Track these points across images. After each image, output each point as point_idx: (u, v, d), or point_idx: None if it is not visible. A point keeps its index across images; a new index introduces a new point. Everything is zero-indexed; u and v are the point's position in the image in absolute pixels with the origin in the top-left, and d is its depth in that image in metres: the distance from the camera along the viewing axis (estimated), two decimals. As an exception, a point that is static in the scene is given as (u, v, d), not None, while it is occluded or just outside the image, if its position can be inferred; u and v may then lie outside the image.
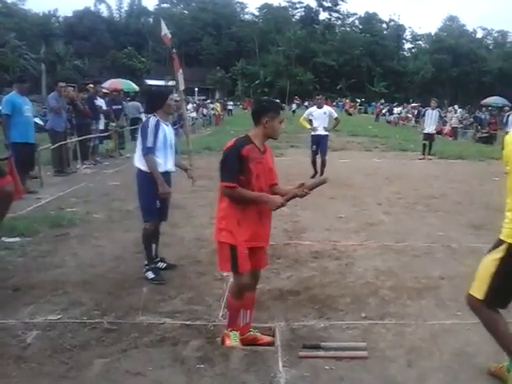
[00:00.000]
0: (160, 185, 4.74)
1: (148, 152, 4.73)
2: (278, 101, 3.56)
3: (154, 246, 5.12)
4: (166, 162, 4.91)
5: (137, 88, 28.61)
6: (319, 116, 10.98)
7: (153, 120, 4.80)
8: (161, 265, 5.17)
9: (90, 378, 3.19)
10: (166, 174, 4.95)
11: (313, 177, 10.51)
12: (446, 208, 8.36)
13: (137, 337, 3.70)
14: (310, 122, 11.20)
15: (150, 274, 4.89)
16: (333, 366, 3.34)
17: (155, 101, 5.00)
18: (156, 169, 4.76)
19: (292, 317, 4.07)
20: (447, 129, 25.60)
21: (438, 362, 3.42)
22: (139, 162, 4.85)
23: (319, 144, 10.94)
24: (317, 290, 4.65)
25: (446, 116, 28.03)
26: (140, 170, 4.87)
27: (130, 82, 28.71)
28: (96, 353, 3.47)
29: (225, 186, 3.33)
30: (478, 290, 3.00)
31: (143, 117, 14.02)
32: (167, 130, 4.90)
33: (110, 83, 23.85)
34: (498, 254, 2.92)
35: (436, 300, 4.50)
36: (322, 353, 3.50)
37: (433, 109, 16.13)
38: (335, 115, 11.47)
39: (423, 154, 15.62)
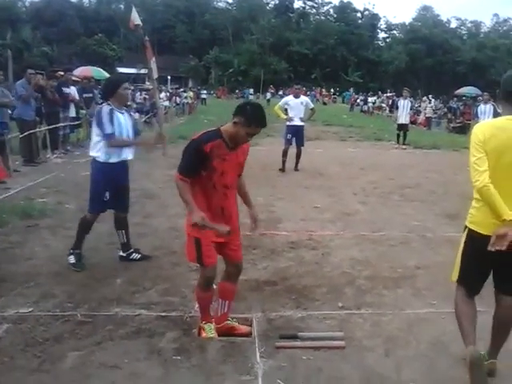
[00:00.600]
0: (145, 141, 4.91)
1: (109, 138, 4.64)
2: (263, 121, 3.32)
3: (123, 233, 5.08)
4: (121, 151, 4.81)
5: (108, 76, 28.09)
6: (296, 106, 10.69)
7: (106, 108, 4.71)
8: (135, 256, 5.10)
9: (63, 371, 3.13)
10: (123, 163, 4.88)
11: (281, 170, 10.44)
12: (421, 197, 8.47)
13: (111, 329, 3.65)
14: (286, 111, 10.95)
15: (72, 259, 4.84)
16: (310, 356, 3.35)
17: (108, 88, 4.93)
18: (122, 143, 4.77)
19: (269, 307, 4.06)
20: (421, 119, 25.89)
21: (415, 351, 3.46)
22: (93, 151, 4.77)
23: (295, 135, 10.70)
24: (293, 281, 4.65)
25: (419, 106, 28.41)
26: (94, 159, 4.79)
27: (101, 69, 28.15)
28: (70, 346, 3.41)
29: (176, 176, 3.27)
30: (454, 273, 3.23)
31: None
32: (122, 118, 4.78)
33: (81, 71, 23.36)
34: (463, 238, 3.21)
35: (412, 289, 4.55)
36: (299, 343, 3.50)
37: (405, 98, 16.60)
38: (311, 105, 11.29)
39: (397, 143, 16.24)
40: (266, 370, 3.18)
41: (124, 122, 4.80)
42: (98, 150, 4.73)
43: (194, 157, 3.24)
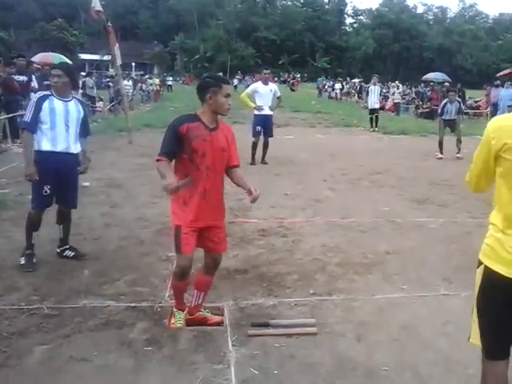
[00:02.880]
0: (26, 165, 4.43)
1: (25, 127, 4.46)
2: (220, 74, 3.44)
3: (61, 228, 4.87)
4: (54, 141, 4.50)
5: (70, 62, 27.37)
6: (265, 93, 9.88)
7: (38, 94, 4.54)
8: (69, 253, 4.84)
9: (30, 366, 3.06)
10: (60, 155, 4.53)
11: (252, 163, 9.78)
12: (390, 183, 8.57)
13: (80, 321, 3.58)
14: (253, 99, 10.24)
15: (22, 260, 4.60)
16: (283, 343, 3.35)
17: (48, 76, 4.78)
18: (28, 146, 4.48)
19: (240, 296, 4.05)
20: (389, 104, 26.14)
21: (386, 336, 3.49)
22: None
23: (264, 125, 9.93)
24: (264, 268, 4.64)
25: (388, 92, 28.70)
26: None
27: (62, 56, 27.41)
28: (36, 340, 3.33)
29: (155, 158, 3.27)
30: (474, 334, 2.23)
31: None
32: (61, 106, 4.49)
33: (40, 57, 22.58)
34: (477, 280, 2.22)
35: (383, 274, 4.59)
36: (271, 330, 3.51)
37: (374, 84, 17.50)
38: (279, 94, 10.42)
39: (371, 127, 16.81)
40: (239, 359, 3.17)
41: (62, 110, 4.50)
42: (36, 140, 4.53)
43: (169, 137, 3.28)
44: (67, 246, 4.88)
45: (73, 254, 4.85)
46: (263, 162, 10.05)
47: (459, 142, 11.14)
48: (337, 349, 3.32)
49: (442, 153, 11.11)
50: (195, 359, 3.15)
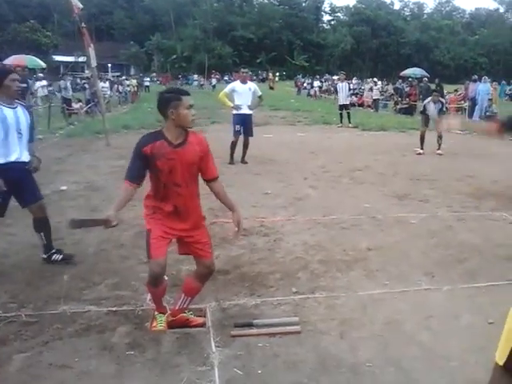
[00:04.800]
0: None
1: None
2: (179, 88, 3.38)
3: (41, 235, 4.76)
4: (8, 152, 4.35)
5: (43, 64, 26.98)
6: (244, 92, 9.73)
7: None
8: (57, 257, 4.76)
9: (10, 374, 3.00)
10: (12, 165, 4.36)
11: (230, 163, 9.78)
12: (370, 180, 8.60)
13: (60, 327, 3.52)
14: (232, 98, 10.12)
15: (59, 256, 4.71)
16: (266, 342, 3.34)
17: (24, 78, 4.52)
18: None
19: (222, 296, 4.02)
20: (366, 101, 26.26)
21: (369, 332, 3.51)
22: None
23: (244, 124, 9.81)
24: (246, 268, 4.63)
25: (362, 88, 28.86)
26: None
27: (35, 58, 26.99)
28: (15, 348, 3.27)
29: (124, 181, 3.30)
30: (501, 352, 2.02)
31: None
32: (10, 114, 4.32)
33: (13, 59, 22.25)
34: None
35: (365, 271, 4.61)
36: (254, 330, 3.49)
37: (341, 81, 17.76)
38: (259, 93, 10.28)
39: (341, 123, 17.07)
40: (222, 359, 3.15)
41: (13, 118, 4.34)
42: None
43: (133, 161, 3.27)
44: (53, 251, 4.80)
45: (61, 256, 4.78)
46: (243, 161, 10.00)
47: (440, 138, 11.20)
48: (320, 346, 3.32)
49: (422, 148, 11.17)
50: (178, 361, 3.13)
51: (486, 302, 3.86)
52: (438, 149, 11.21)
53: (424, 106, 11.58)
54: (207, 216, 6.09)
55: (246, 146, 9.98)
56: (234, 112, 9.89)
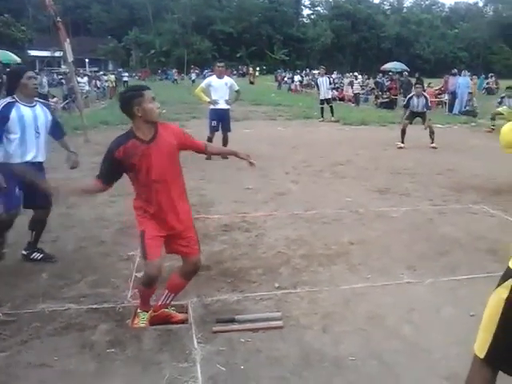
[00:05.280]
0: None
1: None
2: (137, 84, 3.39)
3: (32, 233, 4.72)
4: (24, 152, 4.35)
5: (18, 59, 26.57)
6: (220, 87, 9.67)
7: (2, 101, 4.27)
8: (36, 255, 4.69)
9: (-12, 374, 2.93)
10: (27, 165, 4.30)
11: (208, 158, 9.46)
12: (352, 174, 8.61)
13: (39, 326, 3.47)
14: (208, 93, 10.04)
15: (39, 255, 4.66)
16: (249, 338, 3.33)
17: (10, 81, 4.44)
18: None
19: (204, 292, 3.99)
20: (348, 95, 26.34)
21: (352, 326, 3.51)
22: None
23: (221, 120, 9.77)
24: (228, 264, 4.60)
25: (342, 83, 28.97)
26: None
27: (10, 52, 26.54)
28: (-7, 348, 3.19)
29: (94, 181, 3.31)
30: (480, 345, 2.01)
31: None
32: (29, 113, 4.32)
33: (-14, 54, 21.90)
34: (504, 293, 1.95)
35: (347, 265, 4.61)
36: (236, 326, 3.48)
37: (322, 76, 17.95)
38: (236, 87, 10.23)
39: (322, 117, 17.15)
40: (205, 356, 3.13)
41: (31, 116, 4.33)
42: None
43: (107, 164, 3.24)
44: (35, 249, 4.72)
45: (41, 256, 4.69)
46: (224, 156, 9.89)
47: (432, 133, 11.23)
48: (303, 341, 3.31)
49: (403, 142, 11.19)
50: (160, 358, 3.10)
51: (468, 294, 3.90)
52: (432, 142, 11.23)
53: (407, 100, 11.60)
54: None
55: (225, 142, 9.80)
56: (211, 107, 9.82)
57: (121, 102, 3.22)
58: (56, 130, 4.71)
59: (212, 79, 9.99)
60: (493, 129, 14.01)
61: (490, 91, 30.15)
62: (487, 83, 32.23)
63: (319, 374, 2.97)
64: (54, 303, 3.80)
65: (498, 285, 1.99)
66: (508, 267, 1.98)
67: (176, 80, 48.70)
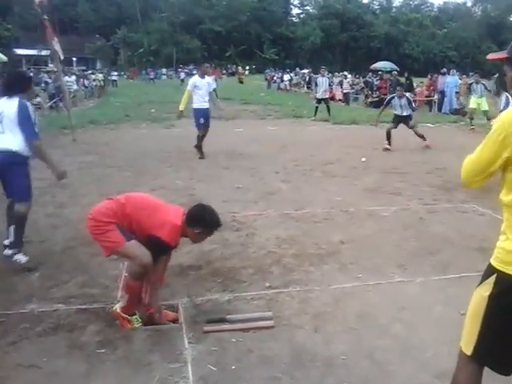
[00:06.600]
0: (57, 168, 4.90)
1: (37, 139, 4.66)
2: (220, 223, 3.65)
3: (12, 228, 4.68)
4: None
5: (4, 58, 26.26)
6: (203, 86, 10.09)
7: (28, 104, 4.71)
8: (20, 258, 4.60)
9: (-24, 375, 2.90)
10: None
11: (201, 157, 9.87)
12: (342, 173, 8.62)
13: (27, 327, 3.43)
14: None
15: (22, 256, 4.56)
16: (240, 338, 3.32)
17: (22, 83, 4.83)
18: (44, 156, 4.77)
19: (195, 292, 3.98)
20: (337, 94, 26.37)
21: (343, 325, 3.51)
22: (14, 146, 4.54)
23: (205, 117, 10.13)
24: (218, 264, 4.58)
25: (332, 82, 29.02)
26: (18, 154, 4.56)
27: (-4, 51, 26.26)
28: (-19, 349, 3.15)
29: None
30: (467, 342, 2.04)
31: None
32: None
33: (-27, 54, 21.63)
34: (486, 290, 1.98)
35: (338, 264, 4.61)
36: (227, 326, 3.46)
37: (322, 76, 18.25)
38: (214, 86, 10.70)
39: (314, 116, 17.15)
40: (196, 356, 3.12)
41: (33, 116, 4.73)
42: (19, 145, 4.56)
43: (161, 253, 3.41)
44: (19, 250, 4.61)
45: (24, 259, 4.58)
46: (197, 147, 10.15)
47: (420, 136, 11.19)
48: (294, 341, 3.31)
49: (389, 144, 11.02)
50: (151, 359, 3.08)
51: (458, 293, 3.90)
52: (425, 140, 11.18)
53: (389, 99, 11.49)
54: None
55: (203, 137, 10.16)
56: (196, 106, 10.11)
57: (202, 218, 3.44)
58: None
59: (196, 80, 10.33)
60: (473, 128, 14.18)
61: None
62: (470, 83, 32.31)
63: (311, 374, 2.96)
64: (43, 304, 3.77)
65: (481, 282, 2.04)
66: (489, 264, 2.02)
67: (152, 79, 48.50)
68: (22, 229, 4.64)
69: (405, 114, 11.10)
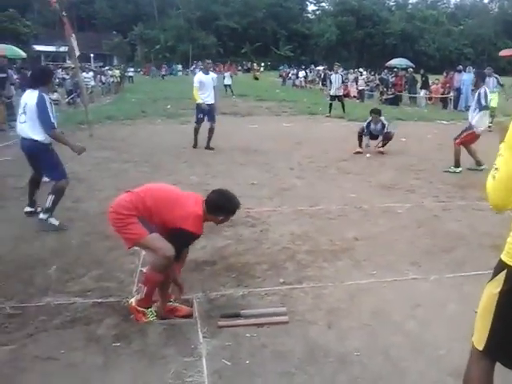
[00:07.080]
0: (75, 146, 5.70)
1: (55, 126, 5.39)
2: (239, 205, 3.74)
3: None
4: None
5: (24, 54, 26.56)
6: (208, 82, 10.38)
7: (47, 96, 5.38)
8: (53, 220, 5.39)
9: (-6, 367, 2.94)
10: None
11: (194, 146, 10.46)
12: (356, 170, 8.59)
13: (45, 319, 3.48)
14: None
15: (54, 220, 5.36)
16: (254, 333, 3.33)
17: (44, 77, 5.51)
18: (61, 140, 5.57)
19: (209, 287, 4.00)
20: (353, 91, 26.23)
21: (357, 321, 3.51)
22: (37, 135, 5.34)
23: (207, 113, 10.45)
24: (233, 259, 4.60)
25: (347, 79, 28.87)
26: (40, 142, 5.37)
27: (15, 47, 26.53)
28: (-1, 341, 3.21)
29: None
30: (478, 338, 2.05)
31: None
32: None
33: (-9, 49, 21.89)
34: (497, 286, 1.96)
35: (352, 261, 4.61)
36: (241, 321, 3.48)
37: (336, 73, 18.07)
38: (215, 83, 10.74)
39: (329, 113, 17.08)
40: (210, 350, 3.13)
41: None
42: (39, 134, 5.35)
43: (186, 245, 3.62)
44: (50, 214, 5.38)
45: (58, 222, 5.37)
46: (208, 147, 10.40)
47: (386, 143, 10.34)
48: (308, 336, 3.32)
49: (360, 146, 10.27)
50: (166, 353, 3.10)
51: (472, 290, 3.86)
52: (382, 146, 10.33)
53: (366, 128, 10.38)
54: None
55: (211, 131, 10.44)
56: (199, 102, 10.42)
57: (222, 205, 3.58)
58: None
59: (201, 76, 10.62)
60: (490, 127, 14.01)
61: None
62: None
63: (324, 370, 2.97)
64: (60, 297, 3.81)
65: (492, 278, 2.01)
66: (499, 260, 1.99)
67: (163, 76, 48.77)
68: (59, 199, 5.46)
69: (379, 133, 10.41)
